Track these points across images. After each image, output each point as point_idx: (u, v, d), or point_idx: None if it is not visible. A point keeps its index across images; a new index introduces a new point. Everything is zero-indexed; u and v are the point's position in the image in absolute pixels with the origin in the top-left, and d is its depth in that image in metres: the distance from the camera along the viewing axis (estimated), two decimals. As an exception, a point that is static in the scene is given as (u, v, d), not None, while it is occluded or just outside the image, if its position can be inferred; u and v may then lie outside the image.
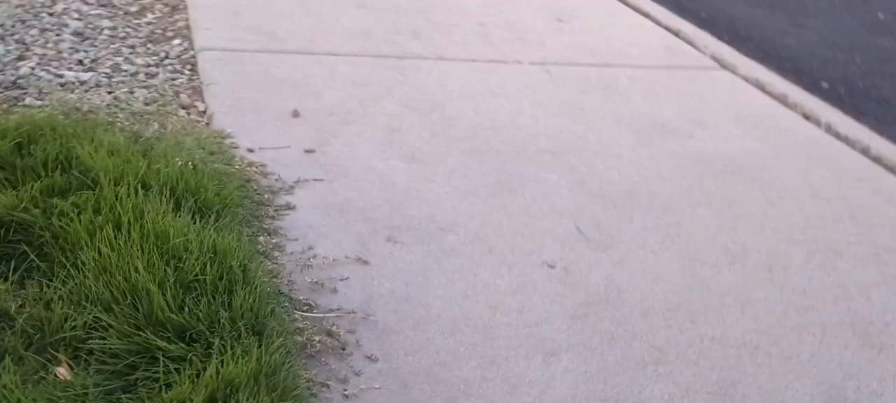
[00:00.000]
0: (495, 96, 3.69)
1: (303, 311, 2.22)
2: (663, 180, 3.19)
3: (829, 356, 2.39)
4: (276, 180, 2.83)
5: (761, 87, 4.28)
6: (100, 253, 2.03)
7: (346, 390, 2.00)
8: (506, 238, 2.70)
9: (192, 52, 3.76)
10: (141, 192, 2.31)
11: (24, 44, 3.65)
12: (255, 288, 2.05)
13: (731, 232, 2.92)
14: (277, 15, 4.21)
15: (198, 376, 1.74)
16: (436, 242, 2.62)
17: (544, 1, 5.09)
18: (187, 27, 4.01)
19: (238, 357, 1.78)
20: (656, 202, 3.03)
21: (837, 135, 3.84)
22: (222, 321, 1.91)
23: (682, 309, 2.48)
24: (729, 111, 3.92)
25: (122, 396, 1.72)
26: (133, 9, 4.18)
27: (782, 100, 4.15)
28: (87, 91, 3.33)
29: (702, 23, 5.26)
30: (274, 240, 2.51)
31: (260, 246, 2.43)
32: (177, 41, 3.88)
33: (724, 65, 4.53)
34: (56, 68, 3.48)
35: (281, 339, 1.96)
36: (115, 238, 2.08)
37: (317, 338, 2.12)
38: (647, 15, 5.14)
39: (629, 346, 2.30)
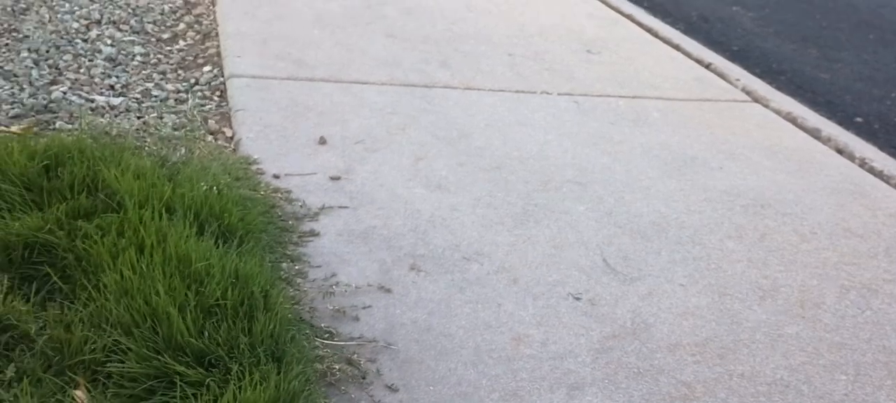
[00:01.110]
0: (523, 126, 3.67)
1: (324, 339, 2.20)
2: (692, 213, 3.14)
3: (863, 396, 2.32)
4: (301, 207, 2.83)
5: (794, 121, 4.22)
6: (122, 276, 2.02)
7: (365, 420, 1.97)
8: (531, 268, 2.66)
9: (221, 79, 3.78)
10: (165, 216, 2.31)
11: (58, 69, 3.70)
12: (276, 315, 2.03)
13: (761, 266, 2.86)
14: (307, 43, 4.24)
15: (215, 402, 1.72)
16: (460, 271, 2.60)
17: (573, 32, 5.07)
18: (218, 54, 4.05)
19: (256, 384, 1.76)
20: (685, 235, 2.98)
21: (872, 170, 3.76)
22: (242, 346, 1.89)
23: (710, 344, 2.43)
24: (760, 144, 3.87)
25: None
26: (165, 36, 4.23)
27: (815, 134, 4.08)
28: (117, 115, 3.36)
29: (733, 56, 5.21)
30: (297, 267, 2.49)
31: (282, 273, 2.42)
32: (207, 68, 3.91)
33: (755, 98, 4.48)
34: (87, 93, 3.52)
35: (300, 367, 1.93)
36: (138, 261, 2.08)
37: (337, 367, 2.10)
38: (677, 47, 5.10)
39: (656, 382, 2.25)
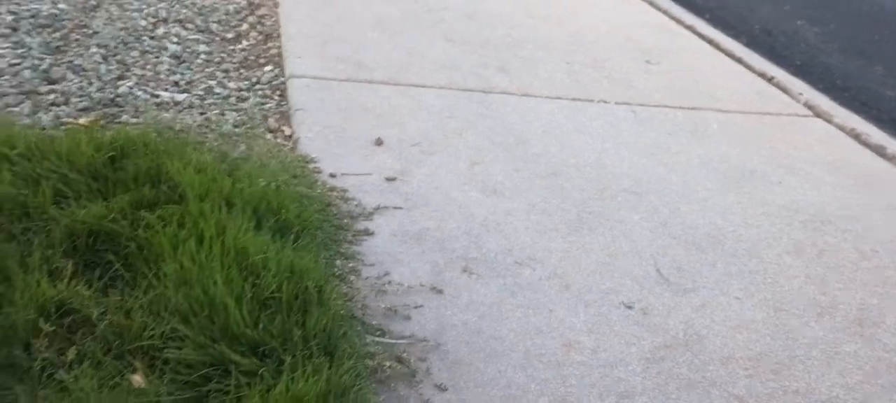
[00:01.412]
0: (580, 134, 3.66)
1: (375, 336, 2.22)
2: (750, 227, 3.09)
3: (923, 419, 2.26)
4: (357, 206, 2.86)
5: (857, 137, 4.13)
6: (181, 266, 2.07)
7: (413, 417, 1.98)
8: (584, 275, 2.65)
9: (282, 79, 3.85)
10: (224, 209, 2.36)
11: (125, 64, 3.80)
12: (329, 310, 2.06)
13: (820, 283, 2.80)
14: (366, 46, 4.28)
15: (268, 391, 1.75)
16: (512, 276, 2.60)
17: (633, 42, 5.04)
18: (279, 55, 4.11)
19: (308, 376, 1.79)
20: (742, 248, 2.94)
21: (939, 190, 3.67)
22: (295, 339, 1.92)
23: (764, 359, 2.39)
24: (822, 160, 3.79)
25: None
26: (229, 35, 4.31)
27: (879, 151, 3.99)
28: (180, 111, 3.44)
29: (796, 70, 5.12)
30: (350, 264, 2.52)
31: (336, 270, 2.45)
32: (268, 68, 3.98)
33: (818, 113, 4.39)
34: (153, 88, 3.61)
35: (351, 362, 1.96)
36: (197, 252, 2.12)
37: (387, 364, 2.12)
38: (739, 60, 5.03)
39: (707, 394, 2.22)
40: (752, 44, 5.49)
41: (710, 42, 5.30)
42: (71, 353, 1.91)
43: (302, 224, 2.49)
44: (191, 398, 1.77)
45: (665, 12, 5.79)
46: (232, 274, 2.05)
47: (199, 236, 2.19)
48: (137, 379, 1.84)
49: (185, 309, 1.95)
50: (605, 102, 4.06)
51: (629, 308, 2.52)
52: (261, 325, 1.93)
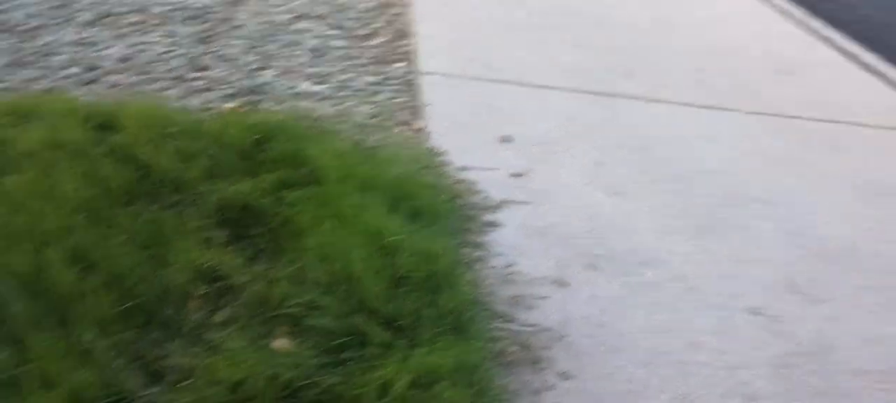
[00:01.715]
0: (708, 142, 3.62)
1: (500, 322, 2.28)
2: (888, 243, 2.99)
3: None
4: (484, 199, 2.92)
5: None
6: (322, 242, 2.18)
7: (537, 401, 2.03)
8: (709, 279, 2.63)
9: (413, 75, 3.96)
10: (361, 193, 2.47)
11: (266, 56, 4.00)
12: (459, 292, 2.13)
13: (961, 304, 2.69)
14: (497, 48, 4.36)
15: (403, 361, 1.83)
16: (636, 275, 2.61)
17: (767, 52, 4.93)
18: (411, 52, 4.23)
19: (440, 351, 1.86)
20: (878, 263, 2.85)
21: None
22: (427, 316, 2.00)
23: (899, 375, 2.32)
24: (967, 180, 3.62)
25: (333, 371, 1.84)
26: (363, 32, 4.47)
27: None
28: (317, 102, 3.60)
29: (941, 87, 4.88)
30: (477, 253, 2.59)
31: (464, 257, 2.52)
32: (400, 64, 4.10)
33: (964, 132, 4.19)
34: (292, 79, 3.78)
35: (480, 342, 2.02)
36: (337, 230, 2.23)
37: (512, 349, 2.17)
38: (879, 74, 4.85)
39: (837, 404, 2.18)
40: (893, 59, 5.27)
41: (849, 55, 5.13)
42: (220, 316, 2.05)
43: (433, 211, 2.57)
44: (330, 363, 1.87)
45: (802, 24, 5.63)
46: (369, 253, 2.15)
47: (338, 215, 2.30)
48: (282, 343, 1.96)
49: (325, 282, 2.06)
50: (735, 111, 3.99)
51: (756, 314, 2.49)
52: (396, 301, 2.02)
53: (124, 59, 3.79)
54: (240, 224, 2.35)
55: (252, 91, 3.62)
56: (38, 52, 3.76)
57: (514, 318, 2.31)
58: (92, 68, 3.66)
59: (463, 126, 3.45)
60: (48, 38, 3.91)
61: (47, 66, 3.62)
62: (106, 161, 2.46)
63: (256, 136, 2.79)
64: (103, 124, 2.70)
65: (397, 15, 4.80)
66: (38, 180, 2.24)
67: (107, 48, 3.90)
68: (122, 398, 1.78)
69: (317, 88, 3.71)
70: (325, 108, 3.51)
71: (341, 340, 1.93)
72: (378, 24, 4.61)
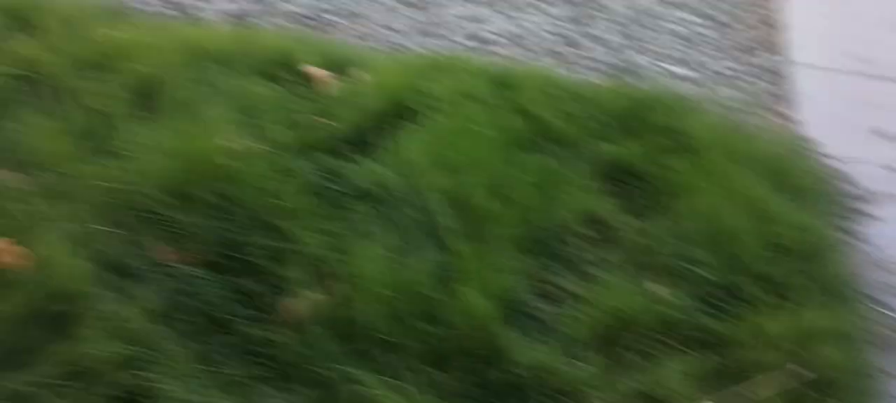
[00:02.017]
0: None
1: (873, 305, 2.27)
2: None
3: None
4: (857, 189, 2.88)
5: None
6: (701, 203, 2.33)
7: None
8: None
9: (783, 65, 3.93)
10: (736, 164, 2.57)
11: (633, 38, 4.17)
12: (833, 265, 2.17)
13: None
14: (876, 43, 4.16)
15: (776, 315, 1.93)
16: None
17: None
18: (781, 42, 4.18)
19: (818, 313, 1.93)
20: None
21: None
22: (801, 283, 2.08)
23: None
24: None
25: (712, 312, 2.00)
26: (733, 21, 4.49)
27: None
28: (684, 83, 3.71)
29: None
30: (850, 239, 2.58)
31: (837, 238, 2.52)
32: (769, 54, 4.08)
33: None
34: (659, 59, 3.93)
35: (855, 317, 2.05)
36: (715, 193, 2.37)
37: (886, 333, 2.16)
38: None
39: None
40: None
41: None
42: (602, 254, 2.28)
43: (805, 191, 2.61)
44: (706, 309, 2.02)
45: None
46: (746, 217, 2.26)
47: (717, 182, 2.43)
48: (658, 287, 2.13)
49: (703, 239, 2.21)
50: None
51: None
52: (772, 264, 2.11)
53: (505, 34, 4.18)
54: (621, 181, 2.57)
55: (622, 69, 3.82)
56: (438, 23, 4.27)
57: (888, 305, 2.29)
58: (479, 38, 4.09)
59: (835, 117, 3.39)
60: (441, 12, 4.42)
61: (445, 36, 4.10)
62: (505, 112, 2.79)
63: (634, 106, 2.99)
64: (501, 82, 3.05)
65: (770, 7, 4.74)
66: (457, 119, 2.62)
67: (489, 23, 4.31)
68: (522, 308, 2.08)
69: (683, 71, 3.83)
70: (691, 90, 3.62)
71: (718, 290, 2.06)
72: (748, 14, 4.59)
